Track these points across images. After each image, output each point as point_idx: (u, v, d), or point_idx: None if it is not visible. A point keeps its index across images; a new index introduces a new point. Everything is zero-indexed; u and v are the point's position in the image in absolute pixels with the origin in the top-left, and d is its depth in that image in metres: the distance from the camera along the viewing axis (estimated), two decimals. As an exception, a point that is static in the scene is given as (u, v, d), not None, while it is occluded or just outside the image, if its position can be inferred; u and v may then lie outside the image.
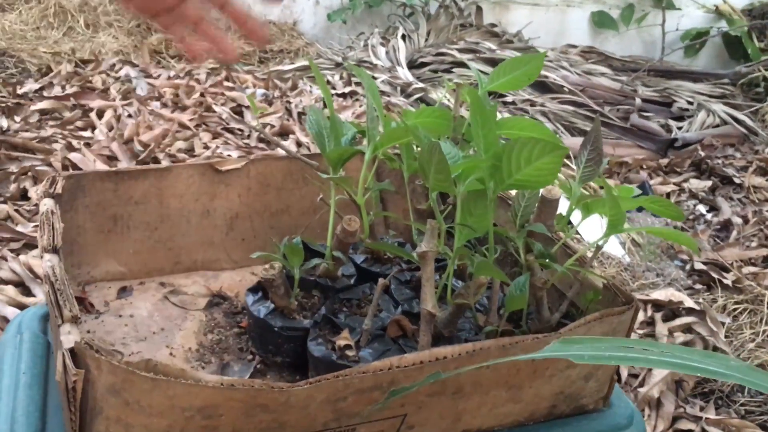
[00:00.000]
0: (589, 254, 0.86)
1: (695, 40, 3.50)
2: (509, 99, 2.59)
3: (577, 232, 1.89)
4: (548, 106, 2.53)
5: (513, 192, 0.88)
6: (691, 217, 2.15)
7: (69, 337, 0.62)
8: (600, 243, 0.86)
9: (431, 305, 0.78)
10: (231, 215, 1.04)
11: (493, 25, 3.54)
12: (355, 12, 3.54)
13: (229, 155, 1.96)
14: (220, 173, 1.01)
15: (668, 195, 2.20)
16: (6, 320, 1.28)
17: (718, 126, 2.70)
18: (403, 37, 3.22)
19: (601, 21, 3.56)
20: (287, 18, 3.87)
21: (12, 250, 1.44)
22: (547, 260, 0.82)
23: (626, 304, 0.80)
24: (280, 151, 2.08)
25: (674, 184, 2.25)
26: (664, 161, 2.39)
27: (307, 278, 0.91)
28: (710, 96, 3.00)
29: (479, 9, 3.61)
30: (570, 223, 0.88)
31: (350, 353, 0.82)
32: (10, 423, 0.75)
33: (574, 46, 3.50)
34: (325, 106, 2.40)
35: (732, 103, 2.92)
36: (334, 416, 0.68)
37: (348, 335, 0.85)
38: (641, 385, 1.54)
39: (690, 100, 2.87)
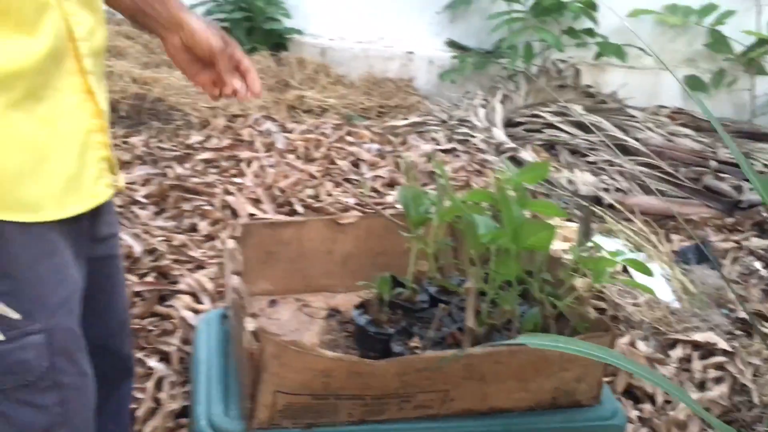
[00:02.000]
0: (586, 294, 1.25)
1: (784, 103, 3.70)
2: (591, 159, 2.94)
3: (633, 279, 2.22)
4: (625, 166, 2.86)
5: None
6: (746, 272, 2.41)
7: (250, 324, 1.09)
8: (594, 287, 1.24)
9: (471, 323, 1.19)
10: (346, 255, 1.49)
11: (589, 86, 3.89)
12: (464, 73, 3.99)
13: (347, 202, 2.43)
14: (340, 225, 1.47)
15: (727, 252, 2.47)
16: (184, 320, 1.79)
17: (792, 188, 2.92)
18: (505, 96, 3.63)
19: (692, 84, 3.82)
20: (404, 75, 4.38)
21: (188, 270, 1.97)
22: (553, 298, 1.21)
23: (605, 332, 1.18)
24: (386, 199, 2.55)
25: (734, 241, 2.52)
26: (729, 220, 2.66)
27: (394, 301, 1.34)
28: (792, 159, 3.20)
29: (577, 71, 3.95)
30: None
31: (418, 352, 1.24)
32: (207, 378, 1.23)
33: (665, 107, 3.78)
34: (430, 166, 2.83)
35: (812, 167, 3.11)
36: (401, 385, 1.11)
37: (418, 341, 1.27)
38: (673, 409, 1.86)
39: (768, 162, 3.10)
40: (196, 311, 1.81)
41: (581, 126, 3.18)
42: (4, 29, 0.79)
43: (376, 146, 3.00)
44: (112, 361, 1.13)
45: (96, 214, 0.95)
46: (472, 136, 3.06)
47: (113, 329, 1.13)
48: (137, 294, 1.84)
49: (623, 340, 1.97)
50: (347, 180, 2.64)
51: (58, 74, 0.86)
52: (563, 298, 1.23)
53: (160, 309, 1.82)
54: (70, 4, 0.88)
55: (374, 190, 2.57)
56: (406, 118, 3.60)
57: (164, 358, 1.69)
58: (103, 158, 0.94)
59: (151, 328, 1.76)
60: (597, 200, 2.59)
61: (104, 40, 0.97)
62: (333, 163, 2.78)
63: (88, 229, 0.97)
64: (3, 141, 0.80)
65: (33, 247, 0.85)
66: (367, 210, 2.33)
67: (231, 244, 1.33)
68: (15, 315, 0.84)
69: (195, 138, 2.92)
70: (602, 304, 2.14)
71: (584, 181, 2.68)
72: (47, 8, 0.83)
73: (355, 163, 2.80)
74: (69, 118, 0.88)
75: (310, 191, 2.50)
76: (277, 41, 4.38)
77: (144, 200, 2.29)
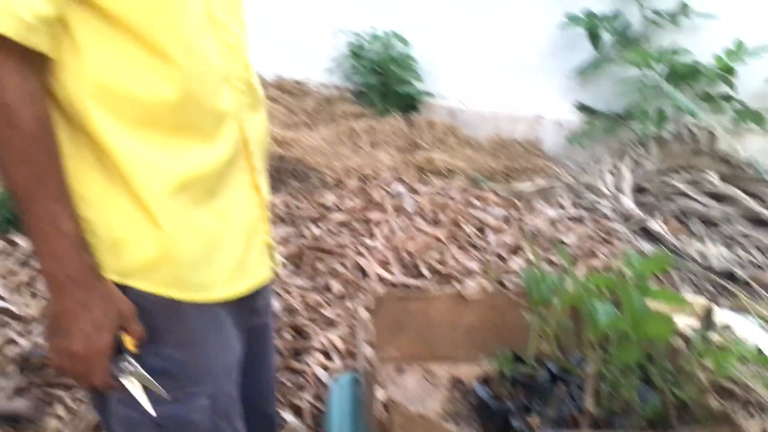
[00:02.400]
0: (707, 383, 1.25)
1: None
2: (725, 231, 2.86)
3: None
4: (763, 240, 2.76)
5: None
6: None
7: (380, 394, 1.19)
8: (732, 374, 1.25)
9: (590, 405, 1.24)
10: (470, 327, 1.57)
11: (726, 153, 3.78)
12: (593, 137, 3.99)
13: (471, 267, 2.51)
14: (466, 300, 1.56)
15: None
16: (316, 376, 1.93)
17: None
18: (635, 162, 3.60)
19: (840, 151, 3.63)
20: (531, 137, 4.43)
21: (321, 328, 2.11)
22: (674, 386, 1.23)
23: (728, 422, 1.18)
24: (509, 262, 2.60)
25: None
26: None
27: (515, 377, 1.40)
28: None
29: (713, 136, 3.86)
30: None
31: (537, 430, 1.29)
32: (338, 438, 1.34)
33: (810, 176, 3.60)
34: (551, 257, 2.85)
35: None
36: (519, 463, 1.16)
37: (538, 419, 1.32)
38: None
39: None
40: (326, 368, 1.94)
41: (715, 195, 3.11)
42: (189, 140, 0.94)
43: (501, 211, 3.07)
44: (260, 419, 1.26)
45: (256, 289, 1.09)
46: (599, 203, 3.06)
47: (263, 390, 1.27)
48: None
49: (754, 427, 1.90)
50: (472, 245, 2.72)
51: (232, 173, 1.02)
52: (685, 386, 1.25)
53: (294, 364, 1.97)
54: (244, 111, 1.04)
55: (499, 256, 2.64)
56: (533, 182, 3.65)
57: (297, 412, 1.82)
58: (264, 243, 1.08)
59: (286, 382, 1.91)
60: (730, 276, 2.53)
61: (268, 136, 1.12)
62: (458, 226, 2.87)
63: (248, 303, 1.11)
64: (186, 233, 0.95)
65: (204, 321, 1.00)
66: (491, 278, 2.40)
67: (364, 314, 1.45)
68: (164, 394, 0.95)
69: (329, 198, 3.11)
70: (732, 386, 2.08)
71: (717, 254, 2.62)
72: (226, 119, 0.99)
73: (481, 228, 2.88)
74: (239, 211, 1.03)
75: (436, 255, 2.60)
76: (409, 103, 4.57)
77: (283, 260, 2.47)
